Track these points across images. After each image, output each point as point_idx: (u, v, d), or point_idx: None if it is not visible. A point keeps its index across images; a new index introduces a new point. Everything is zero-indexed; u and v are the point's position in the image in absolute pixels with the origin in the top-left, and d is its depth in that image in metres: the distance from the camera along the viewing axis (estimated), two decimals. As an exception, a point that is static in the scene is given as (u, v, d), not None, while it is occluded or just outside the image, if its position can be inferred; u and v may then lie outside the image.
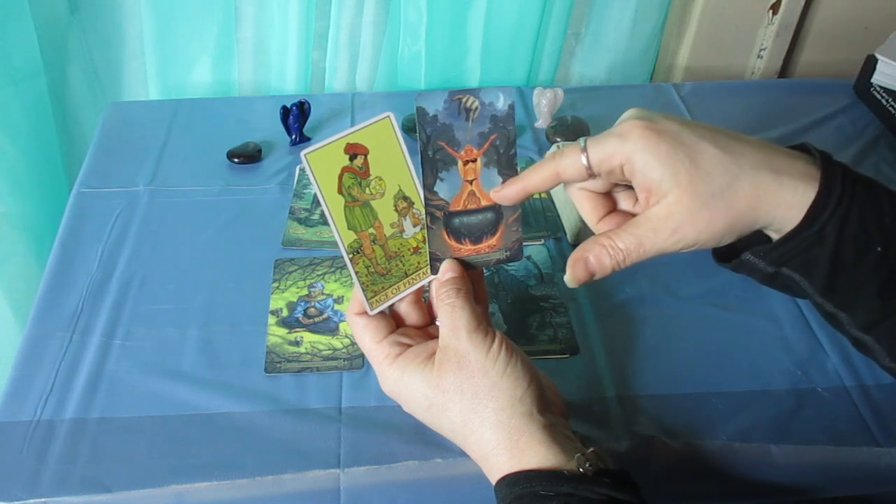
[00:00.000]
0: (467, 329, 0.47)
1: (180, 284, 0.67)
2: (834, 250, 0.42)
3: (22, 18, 0.84)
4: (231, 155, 0.81)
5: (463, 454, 0.49)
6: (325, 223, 0.72)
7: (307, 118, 0.84)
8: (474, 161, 0.49)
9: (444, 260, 0.51)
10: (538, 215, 0.75)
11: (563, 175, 0.46)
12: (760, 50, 1.06)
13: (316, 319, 0.64)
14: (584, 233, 0.71)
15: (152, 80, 0.97)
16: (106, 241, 0.71)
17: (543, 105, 0.87)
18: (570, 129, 0.84)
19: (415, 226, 0.51)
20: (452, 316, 0.48)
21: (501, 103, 0.48)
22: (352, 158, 0.48)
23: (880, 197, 0.43)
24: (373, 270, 0.51)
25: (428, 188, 0.49)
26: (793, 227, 0.42)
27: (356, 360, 0.61)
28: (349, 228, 0.49)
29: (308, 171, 0.46)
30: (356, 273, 0.50)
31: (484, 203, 0.50)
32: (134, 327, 0.63)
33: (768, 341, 0.64)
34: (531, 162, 0.82)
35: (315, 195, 0.76)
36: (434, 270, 0.51)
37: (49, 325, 0.63)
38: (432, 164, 0.48)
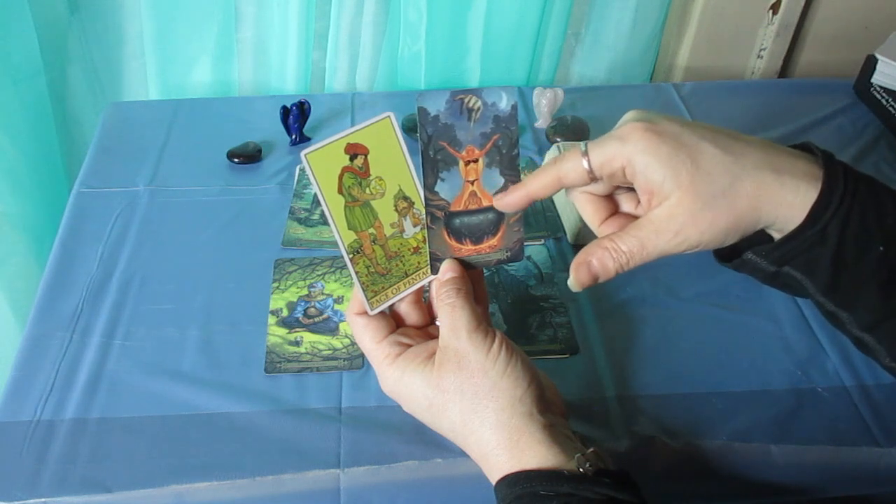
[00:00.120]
0: (467, 329, 0.47)
1: (180, 284, 0.67)
2: (836, 250, 0.42)
3: (22, 18, 0.84)
4: (231, 155, 0.81)
5: (463, 454, 0.49)
6: (325, 223, 0.72)
7: (307, 118, 0.84)
8: (476, 161, 0.49)
9: (444, 260, 0.51)
10: (538, 215, 0.75)
11: (564, 179, 0.46)
12: (760, 50, 1.06)
13: (316, 319, 0.64)
14: (584, 233, 0.71)
15: (152, 80, 0.97)
16: (106, 241, 0.71)
17: (543, 105, 0.87)
18: (570, 129, 0.84)
19: (415, 226, 0.51)
20: (452, 316, 0.48)
21: (504, 103, 0.48)
22: (352, 158, 0.48)
23: (882, 196, 0.43)
24: (373, 270, 0.51)
25: (429, 188, 0.49)
26: (795, 226, 0.42)
27: (356, 360, 0.61)
28: (349, 228, 0.49)
29: (308, 171, 0.46)
30: (356, 273, 0.50)
31: (485, 203, 0.50)
32: (134, 327, 0.63)
33: (768, 341, 0.64)
34: (531, 162, 0.82)
35: (315, 195, 0.76)
36: (434, 270, 0.51)
37: (49, 325, 0.63)
38: (433, 164, 0.48)
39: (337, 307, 0.65)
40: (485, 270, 0.56)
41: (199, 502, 0.52)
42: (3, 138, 0.83)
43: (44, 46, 0.88)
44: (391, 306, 0.52)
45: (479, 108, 0.48)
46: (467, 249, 0.51)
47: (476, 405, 0.47)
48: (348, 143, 0.48)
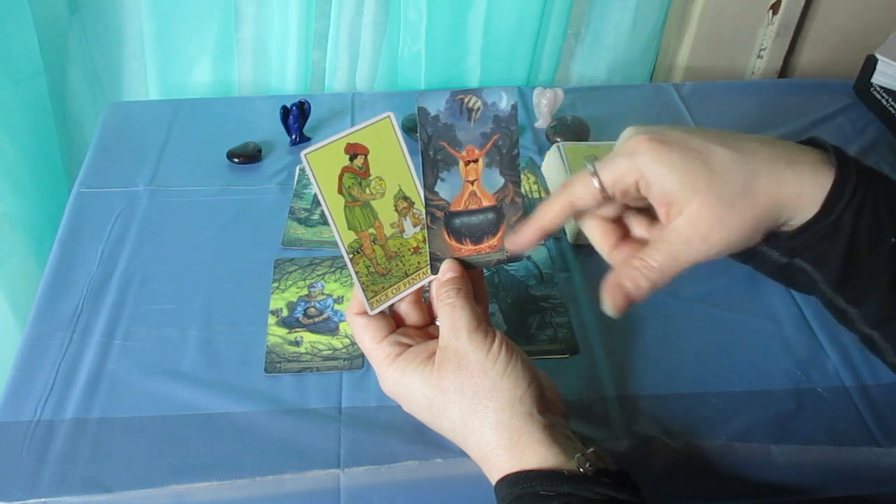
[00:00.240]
0: (467, 329, 0.47)
1: (180, 284, 0.67)
2: (849, 240, 0.42)
3: (22, 18, 0.84)
4: (231, 155, 0.81)
5: (463, 454, 0.49)
6: (325, 223, 0.72)
7: (307, 118, 0.84)
8: (476, 161, 0.49)
9: (444, 260, 0.51)
10: (538, 215, 0.75)
11: (577, 203, 0.45)
12: (760, 50, 1.06)
13: (316, 319, 0.64)
14: (584, 233, 0.71)
15: (152, 80, 0.97)
16: (106, 241, 0.71)
17: (543, 105, 0.87)
18: (570, 129, 0.84)
19: (415, 226, 0.51)
20: (452, 316, 0.48)
21: (504, 103, 0.48)
22: (352, 158, 0.48)
23: (893, 189, 0.42)
24: (373, 270, 0.51)
25: (429, 188, 0.49)
26: (810, 216, 0.42)
27: (356, 360, 0.61)
28: (349, 228, 0.49)
29: (308, 171, 0.46)
30: (356, 273, 0.50)
31: (485, 203, 0.50)
32: (134, 327, 0.63)
33: (768, 341, 0.64)
34: (531, 162, 0.82)
35: (315, 195, 0.76)
36: (434, 270, 0.51)
37: (49, 325, 0.63)
38: (433, 164, 0.48)
39: (337, 307, 0.65)
40: (485, 270, 0.56)
41: (199, 502, 0.52)
42: (3, 138, 0.83)
43: (44, 46, 0.88)
44: (391, 306, 0.52)
45: (479, 108, 0.48)
46: (467, 249, 0.51)
47: (476, 405, 0.47)
48: (348, 143, 0.48)
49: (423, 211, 0.49)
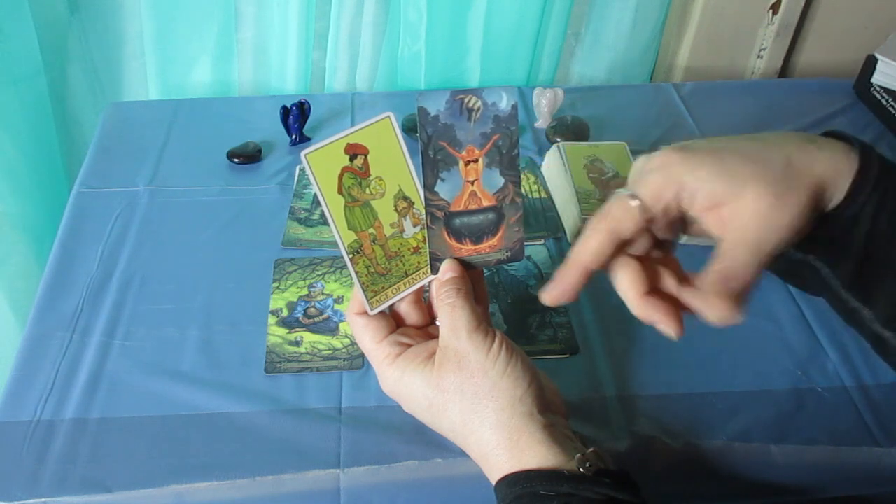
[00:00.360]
0: (467, 329, 0.47)
1: (180, 284, 0.67)
2: (868, 232, 0.41)
3: (22, 18, 0.84)
4: (231, 155, 0.81)
5: (463, 454, 0.49)
6: (325, 223, 0.72)
7: (307, 118, 0.84)
8: (476, 161, 0.49)
9: (444, 260, 0.51)
10: (538, 215, 0.75)
11: (619, 228, 0.42)
12: (760, 50, 1.06)
13: (316, 319, 0.64)
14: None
15: (152, 80, 0.97)
16: (106, 241, 0.71)
17: (543, 105, 0.87)
18: (570, 129, 0.84)
19: (415, 226, 0.51)
20: (452, 316, 0.48)
21: (504, 103, 0.48)
22: (352, 158, 0.48)
23: None
24: (373, 270, 0.51)
25: (429, 188, 0.49)
26: (836, 203, 0.41)
27: (356, 360, 0.61)
28: (349, 228, 0.49)
29: (308, 171, 0.46)
30: (356, 273, 0.50)
31: (485, 203, 0.50)
32: (134, 327, 0.63)
33: (768, 341, 0.64)
34: (531, 162, 0.82)
35: (315, 195, 0.76)
36: (434, 270, 0.51)
37: (49, 325, 0.63)
38: (433, 164, 0.48)
39: (337, 307, 0.65)
40: (485, 270, 0.56)
41: (199, 502, 0.52)
42: (3, 138, 0.83)
43: (44, 46, 0.88)
44: (391, 306, 0.52)
45: (479, 108, 0.48)
46: (467, 249, 0.51)
47: (476, 405, 0.47)
48: (348, 143, 0.48)
49: (423, 211, 0.49)
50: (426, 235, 0.50)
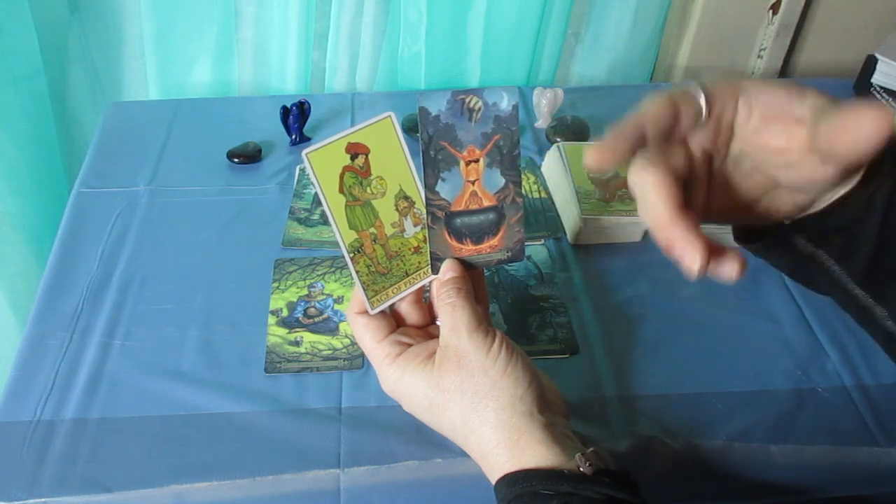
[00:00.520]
0: (468, 329, 0.47)
1: (180, 284, 0.67)
2: (882, 222, 0.40)
3: (22, 18, 0.84)
4: (231, 155, 0.81)
5: (463, 454, 0.49)
6: (326, 223, 0.72)
7: (307, 118, 0.84)
8: (477, 161, 0.49)
9: (444, 260, 0.51)
10: (538, 215, 0.75)
11: (679, 108, 0.38)
12: (760, 50, 1.06)
13: (316, 319, 0.64)
14: (584, 233, 0.71)
15: (152, 80, 0.97)
16: (106, 241, 0.71)
17: (543, 105, 0.87)
18: (570, 129, 0.84)
19: (416, 225, 0.51)
20: (453, 315, 0.48)
21: (505, 103, 0.48)
22: (353, 158, 0.48)
23: None
24: (374, 270, 0.51)
25: (429, 188, 0.49)
26: (849, 188, 0.40)
27: (356, 360, 0.61)
28: (350, 228, 0.49)
29: (309, 171, 0.46)
30: (357, 272, 0.50)
31: (486, 203, 0.50)
32: (134, 327, 0.63)
33: (768, 341, 0.64)
34: (531, 162, 0.82)
35: (315, 195, 0.76)
36: (435, 270, 0.51)
37: (49, 325, 0.63)
38: (434, 163, 0.48)
39: (337, 307, 0.65)
40: (485, 270, 0.56)
41: (199, 502, 0.52)
42: (3, 138, 0.83)
43: (44, 46, 0.88)
44: (391, 306, 0.52)
45: (479, 109, 0.48)
46: (468, 249, 0.51)
47: (476, 404, 0.47)
48: (349, 143, 0.48)
49: (424, 211, 0.49)
50: (427, 235, 0.50)
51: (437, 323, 0.52)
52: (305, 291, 0.66)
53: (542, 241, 0.72)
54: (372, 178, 0.49)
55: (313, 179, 0.47)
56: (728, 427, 0.57)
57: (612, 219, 0.70)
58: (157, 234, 0.72)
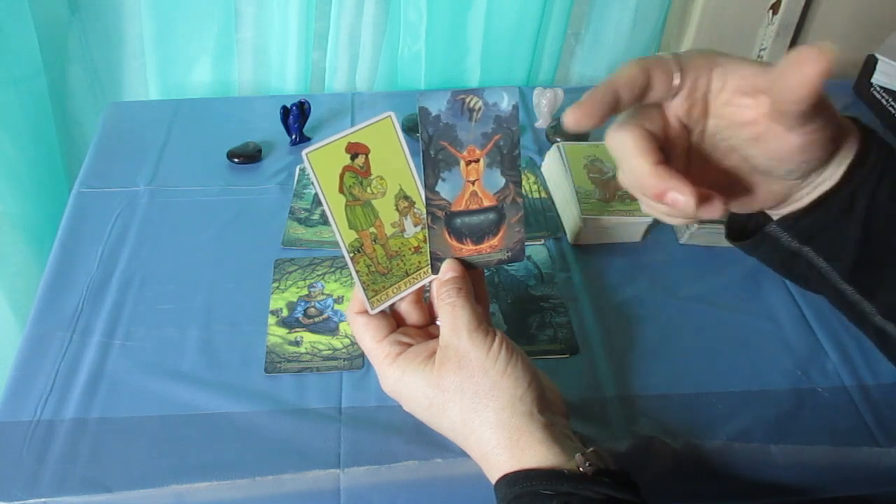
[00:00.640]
0: (468, 328, 0.47)
1: (180, 284, 0.67)
2: (864, 219, 0.40)
3: (22, 18, 0.84)
4: (231, 155, 0.81)
5: (463, 454, 0.49)
6: (326, 223, 0.72)
7: (307, 118, 0.84)
8: (477, 161, 0.49)
9: (445, 259, 0.51)
10: (538, 215, 0.75)
11: (654, 71, 0.39)
12: (760, 50, 1.06)
13: (316, 319, 0.64)
14: (584, 233, 0.71)
15: (152, 80, 0.97)
16: (106, 241, 0.71)
17: (543, 105, 0.87)
18: (570, 129, 0.84)
19: (416, 225, 0.51)
20: (453, 315, 0.48)
21: (505, 103, 0.48)
22: (353, 158, 0.48)
23: None
24: (374, 269, 0.51)
25: (429, 188, 0.49)
26: (830, 185, 0.41)
27: (356, 360, 0.61)
28: (350, 227, 0.49)
29: (309, 170, 0.46)
30: (357, 272, 0.50)
31: (486, 203, 0.50)
32: (134, 327, 0.63)
33: (768, 341, 0.64)
34: (531, 162, 0.82)
35: (315, 195, 0.76)
36: (435, 270, 0.51)
37: (49, 325, 0.63)
38: (434, 163, 0.48)
39: (337, 307, 0.65)
40: (485, 270, 0.56)
41: (199, 502, 0.52)
42: (3, 138, 0.83)
43: (44, 46, 0.88)
44: (392, 305, 0.52)
45: (480, 108, 0.48)
46: (468, 249, 0.51)
47: (476, 404, 0.47)
48: (349, 143, 0.48)
49: (424, 210, 0.49)
50: (427, 235, 0.50)
51: (438, 323, 0.52)
52: (305, 291, 0.66)
53: (542, 241, 0.72)
54: (372, 177, 0.49)
55: (313, 179, 0.47)
56: (728, 427, 0.57)
57: (612, 219, 0.70)
58: (157, 234, 0.72)
